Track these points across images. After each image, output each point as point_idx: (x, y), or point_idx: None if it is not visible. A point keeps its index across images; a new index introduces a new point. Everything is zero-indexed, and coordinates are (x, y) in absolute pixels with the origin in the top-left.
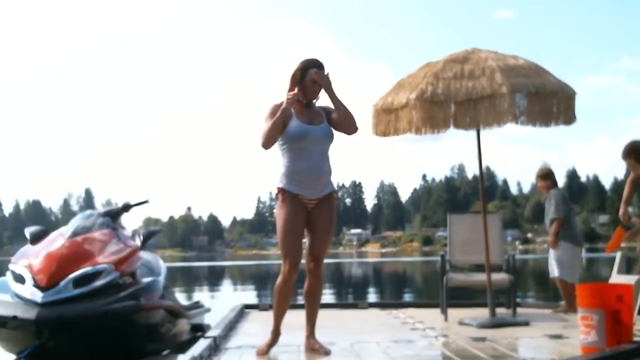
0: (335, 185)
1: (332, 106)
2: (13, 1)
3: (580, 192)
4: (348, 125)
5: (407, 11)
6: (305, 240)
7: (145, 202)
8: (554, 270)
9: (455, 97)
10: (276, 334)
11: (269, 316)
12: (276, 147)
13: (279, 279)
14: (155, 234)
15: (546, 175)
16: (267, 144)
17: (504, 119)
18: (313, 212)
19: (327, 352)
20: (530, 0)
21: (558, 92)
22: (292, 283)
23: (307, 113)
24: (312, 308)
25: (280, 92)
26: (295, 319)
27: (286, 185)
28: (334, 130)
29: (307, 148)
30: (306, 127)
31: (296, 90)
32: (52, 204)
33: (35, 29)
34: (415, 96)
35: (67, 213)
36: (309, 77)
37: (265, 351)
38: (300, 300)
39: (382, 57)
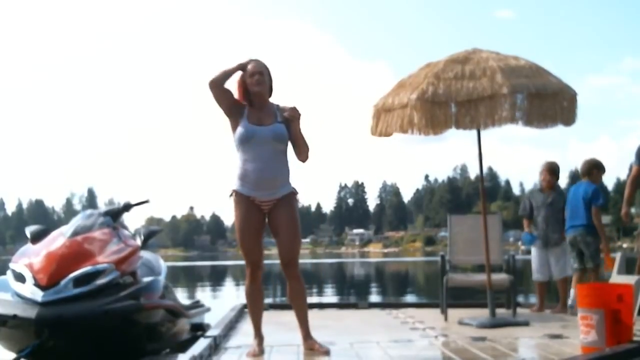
0: (337, 186)
1: (288, 106)
2: (17, 2)
3: None
4: (300, 154)
5: (409, 10)
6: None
7: (146, 201)
8: (567, 269)
9: (456, 97)
10: (259, 338)
11: (268, 316)
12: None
13: (246, 282)
14: (155, 234)
15: (556, 171)
16: (212, 82)
17: (505, 119)
18: (272, 214)
19: (326, 352)
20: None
21: (559, 92)
22: (258, 283)
23: (258, 114)
24: (300, 310)
25: (281, 92)
26: (294, 318)
27: (238, 186)
28: (287, 130)
29: (255, 149)
30: (253, 128)
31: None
32: (55, 203)
33: (36, 29)
34: (416, 96)
35: (70, 212)
36: (248, 73)
37: (257, 353)
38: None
39: (384, 56)
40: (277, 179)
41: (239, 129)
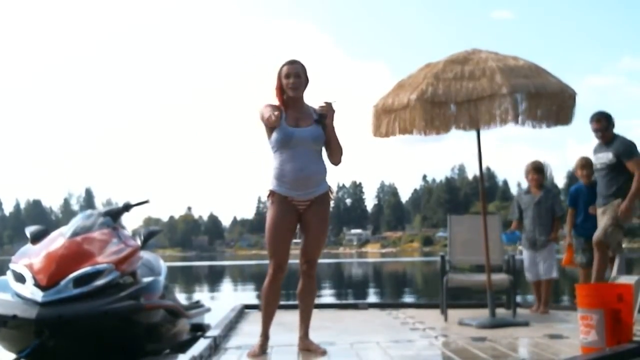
0: (335, 186)
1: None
2: (15, 2)
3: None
4: (333, 156)
5: (407, 11)
6: (299, 241)
7: (146, 202)
8: (553, 271)
9: (455, 97)
10: (265, 337)
11: None
12: (269, 150)
13: (266, 281)
14: (155, 234)
15: (542, 169)
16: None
17: (504, 119)
18: (306, 213)
19: (323, 352)
20: (529, 0)
21: (558, 92)
22: (278, 284)
23: (295, 115)
24: (306, 309)
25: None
26: (294, 318)
27: (275, 187)
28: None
29: (293, 150)
30: (290, 130)
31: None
32: (53, 203)
33: (34, 28)
34: (416, 97)
35: (68, 213)
36: (283, 75)
37: (257, 353)
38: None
39: (382, 57)
40: (315, 178)
41: (278, 133)
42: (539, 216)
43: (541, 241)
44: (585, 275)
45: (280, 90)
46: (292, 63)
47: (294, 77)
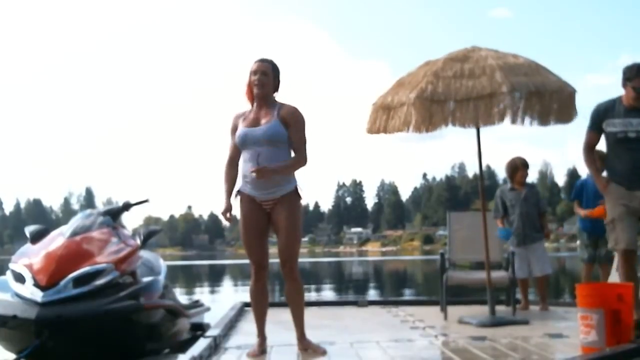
0: (335, 184)
1: (292, 107)
2: (15, 2)
3: None
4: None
5: (406, 9)
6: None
7: (146, 201)
8: (548, 267)
9: (455, 96)
10: (262, 337)
11: (268, 316)
12: None
13: (250, 282)
14: (155, 234)
15: (528, 165)
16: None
17: (504, 117)
18: (272, 213)
19: (323, 352)
20: None
21: (558, 90)
22: (262, 283)
23: (254, 115)
24: (295, 311)
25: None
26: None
27: (241, 186)
28: (285, 130)
29: (251, 150)
30: (245, 130)
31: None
32: (53, 202)
33: (34, 28)
34: (415, 95)
35: (68, 212)
36: (251, 72)
37: (257, 353)
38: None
39: (381, 54)
40: (274, 179)
41: (237, 134)
42: (527, 212)
43: (533, 237)
44: (588, 271)
45: (251, 87)
46: (262, 61)
47: (260, 74)
